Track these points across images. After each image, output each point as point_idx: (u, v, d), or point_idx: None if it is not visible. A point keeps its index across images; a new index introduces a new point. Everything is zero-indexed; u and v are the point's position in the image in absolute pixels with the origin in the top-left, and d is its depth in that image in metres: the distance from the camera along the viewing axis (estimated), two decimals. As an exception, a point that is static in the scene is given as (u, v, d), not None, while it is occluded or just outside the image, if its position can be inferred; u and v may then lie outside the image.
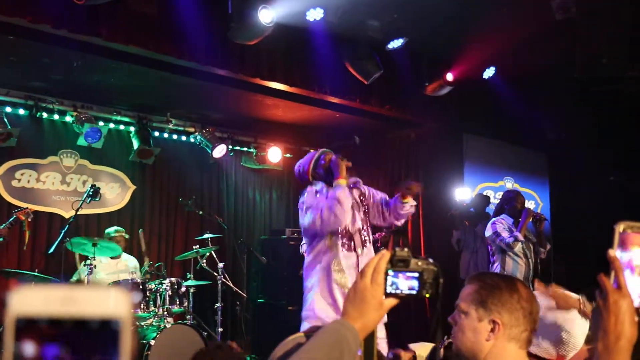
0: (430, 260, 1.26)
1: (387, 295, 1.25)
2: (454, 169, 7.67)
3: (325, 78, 6.19)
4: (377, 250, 6.71)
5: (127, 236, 6.33)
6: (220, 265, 6.01)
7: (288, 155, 8.49)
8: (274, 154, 8.08)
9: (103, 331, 0.58)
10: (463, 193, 7.36)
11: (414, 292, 1.24)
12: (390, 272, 1.25)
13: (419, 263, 1.25)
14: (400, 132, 8.07)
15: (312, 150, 8.58)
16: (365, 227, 3.85)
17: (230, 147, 7.73)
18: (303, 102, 6.73)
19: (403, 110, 7.06)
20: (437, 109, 7.13)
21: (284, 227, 8.30)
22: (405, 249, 1.26)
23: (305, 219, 3.75)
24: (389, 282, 1.25)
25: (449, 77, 6.63)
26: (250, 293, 7.53)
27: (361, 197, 3.91)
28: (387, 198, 3.97)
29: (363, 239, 3.82)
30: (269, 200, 8.58)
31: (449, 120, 7.41)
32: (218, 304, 5.99)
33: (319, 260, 3.76)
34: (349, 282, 3.66)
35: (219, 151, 7.40)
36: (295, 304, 7.61)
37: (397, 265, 1.25)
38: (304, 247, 3.95)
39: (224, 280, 6.03)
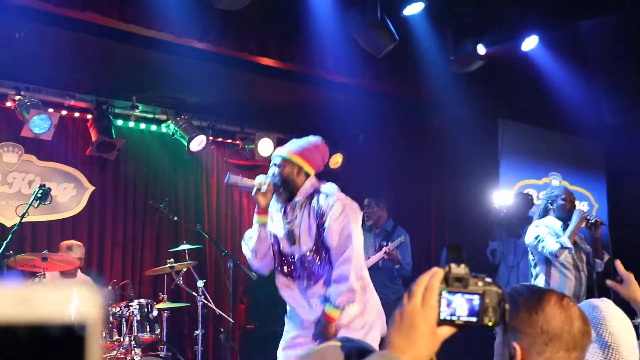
0: (490, 279, 1.25)
1: (441, 322, 1.24)
2: (487, 164, 7.67)
3: (327, 52, 6.19)
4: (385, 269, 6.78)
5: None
6: (201, 283, 6.01)
7: (282, 147, 8.49)
8: (265, 147, 8.08)
9: (65, 339, 0.58)
10: (501, 195, 7.35)
11: (473, 319, 1.24)
12: (445, 294, 1.24)
13: (480, 283, 1.24)
14: (419, 119, 8.08)
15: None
16: (313, 254, 3.79)
17: (211, 138, 7.73)
18: (300, 81, 6.74)
19: (423, 91, 7.06)
20: (465, 90, 7.12)
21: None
22: (462, 266, 1.24)
23: None
24: (443, 305, 1.24)
25: (480, 49, 6.62)
26: (237, 317, 7.53)
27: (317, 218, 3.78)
28: (334, 255, 3.76)
29: (309, 268, 3.80)
30: (259, 204, 8.58)
31: (481, 103, 7.41)
32: (198, 331, 5.99)
33: None
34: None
35: (197, 143, 7.40)
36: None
37: (453, 285, 1.24)
38: None
39: (205, 301, 6.03)
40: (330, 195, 3.75)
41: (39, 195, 5.43)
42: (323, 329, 3.63)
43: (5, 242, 5.27)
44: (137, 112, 7.40)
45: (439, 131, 7.94)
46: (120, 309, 5.57)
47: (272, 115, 7.93)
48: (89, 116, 7.08)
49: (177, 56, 5.88)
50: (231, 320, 6.41)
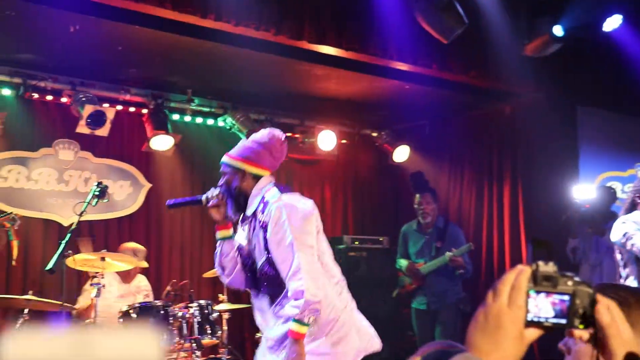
0: (579, 278, 1.23)
1: (528, 324, 1.21)
2: (565, 155, 7.48)
3: (391, 38, 6.13)
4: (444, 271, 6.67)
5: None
6: (261, 284, 6.01)
7: (344, 141, 8.45)
8: (327, 140, 8.05)
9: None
10: (581, 189, 7.15)
11: (563, 321, 1.21)
12: (532, 293, 1.22)
13: (569, 282, 1.22)
14: (490, 107, 7.97)
15: (374, 134, 8.62)
16: (271, 270, 3.53)
17: (269, 131, 7.73)
18: (362, 71, 6.69)
19: (495, 78, 6.95)
20: (541, 75, 6.97)
21: (341, 233, 8.28)
22: (551, 264, 1.22)
23: None
24: (531, 305, 1.22)
25: (557, 30, 6.45)
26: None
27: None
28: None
29: (270, 286, 3.58)
30: (320, 200, 8.56)
31: (557, 89, 7.23)
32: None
33: None
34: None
35: (256, 137, 7.41)
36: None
37: (541, 284, 1.22)
38: None
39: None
40: (271, 202, 3.49)
41: (96, 193, 5.48)
42: (290, 350, 3.33)
43: (64, 242, 5.32)
44: (193, 106, 7.46)
45: (512, 121, 7.80)
46: (180, 310, 5.61)
47: (333, 107, 7.89)
48: (145, 111, 7.16)
49: (233, 46, 5.90)
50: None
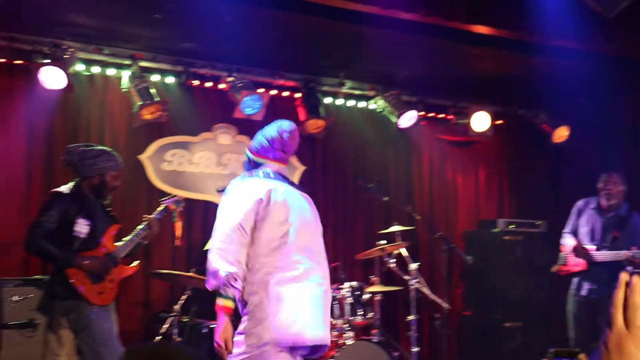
0: None
1: None
2: None
3: (546, 15, 6.04)
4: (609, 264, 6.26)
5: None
6: (414, 266, 6.15)
7: (499, 121, 8.37)
8: (481, 121, 8.02)
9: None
10: None
11: None
12: None
13: None
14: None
15: (531, 114, 8.43)
16: None
17: (421, 113, 7.83)
18: (517, 49, 6.65)
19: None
20: None
21: (496, 216, 8.24)
22: None
23: None
24: None
25: None
26: (453, 303, 7.59)
27: None
28: None
29: None
30: (474, 183, 8.56)
31: None
32: (412, 316, 6.13)
33: None
34: None
35: (407, 119, 7.52)
36: (515, 319, 7.57)
37: None
38: None
39: (418, 285, 6.15)
40: None
41: (251, 176, 5.82)
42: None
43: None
44: (344, 89, 7.67)
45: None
46: (332, 292, 5.83)
47: (487, 87, 7.84)
48: (297, 95, 7.44)
49: (384, 29, 5.99)
50: (446, 305, 6.46)
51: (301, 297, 3.66)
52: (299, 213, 3.82)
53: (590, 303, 6.36)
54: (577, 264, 6.42)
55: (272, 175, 3.84)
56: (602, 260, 6.23)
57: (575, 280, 6.47)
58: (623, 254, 6.07)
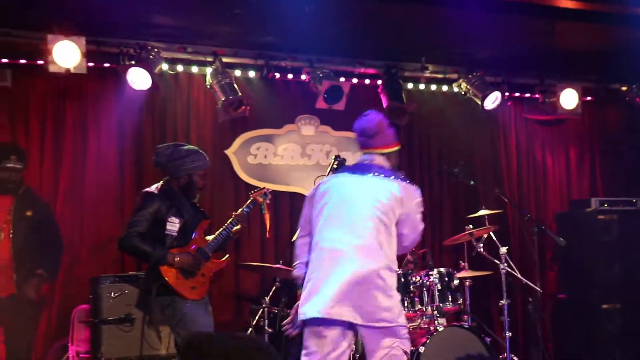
0: None
1: None
2: None
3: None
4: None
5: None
6: (503, 250, 6.08)
7: (589, 98, 8.16)
8: (569, 99, 7.83)
9: None
10: None
11: None
12: None
13: None
14: None
15: (623, 89, 8.20)
16: None
17: (507, 94, 7.70)
18: (608, 22, 6.46)
19: None
20: None
21: (589, 196, 8.06)
22: None
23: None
24: None
25: None
26: (546, 286, 7.48)
27: None
28: None
29: None
30: (565, 162, 8.38)
31: None
32: (503, 301, 6.07)
33: None
34: None
35: (492, 101, 7.42)
36: (613, 301, 7.38)
37: None
38: None
39: (509, 269, 6.09)
40: None
41: (334, 165, 5.86)
42: None
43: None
44: (426, 74, 7.61)
45: None
46: (421, 279, 5.84)
47: (575, 63, 7.64)
48: (379, 82, 7.42)
49: (465, 9, 5.93)
50: (539, 289, 6.38)
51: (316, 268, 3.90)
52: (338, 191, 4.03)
53: None
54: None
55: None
56: None
57: None
58: None
